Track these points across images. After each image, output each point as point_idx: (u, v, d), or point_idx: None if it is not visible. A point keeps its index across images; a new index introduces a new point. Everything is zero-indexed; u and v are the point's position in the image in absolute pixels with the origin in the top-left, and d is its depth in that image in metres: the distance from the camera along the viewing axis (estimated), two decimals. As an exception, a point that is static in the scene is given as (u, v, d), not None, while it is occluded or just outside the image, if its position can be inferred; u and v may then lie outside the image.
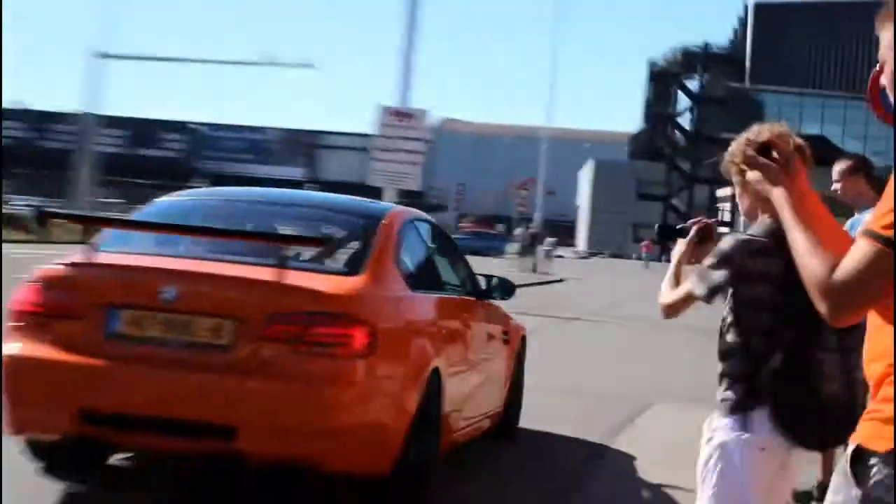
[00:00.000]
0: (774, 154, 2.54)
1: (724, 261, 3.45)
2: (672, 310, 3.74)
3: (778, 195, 2.33)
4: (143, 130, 78.44)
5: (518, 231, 46.35)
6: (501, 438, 7.63)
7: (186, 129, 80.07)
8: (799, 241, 2.15)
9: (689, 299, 3.61)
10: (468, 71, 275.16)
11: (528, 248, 44.88)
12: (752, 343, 3.42)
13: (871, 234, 1.90)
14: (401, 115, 25.13)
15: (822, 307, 1.99)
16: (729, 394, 3.47)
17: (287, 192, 7.12)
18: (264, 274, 4.87)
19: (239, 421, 4.63)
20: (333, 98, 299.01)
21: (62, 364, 4.71)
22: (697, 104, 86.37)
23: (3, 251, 14.14)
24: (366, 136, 54.53)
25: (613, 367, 14.34)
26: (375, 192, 52.86)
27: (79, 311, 4.83)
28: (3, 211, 29.36)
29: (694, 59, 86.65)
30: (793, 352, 3.33)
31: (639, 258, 62.14)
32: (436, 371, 5.39)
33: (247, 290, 4.83)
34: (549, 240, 47.55)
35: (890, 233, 1.87)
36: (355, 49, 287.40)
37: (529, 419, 9.48)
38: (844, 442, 3.21)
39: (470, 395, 6.39)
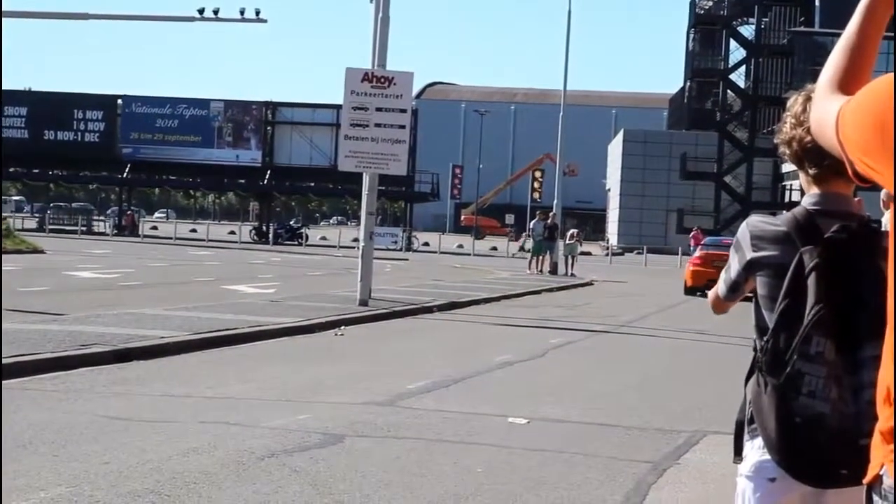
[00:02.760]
0: None
1: (734, 249, 3.88)
2: (715, 308, 4.20)
3: None
4: (47, 107, 78.16)
5: (533, 223, 46.49)
6: None
7: (105, 104, 79.81)
8: (841, 37, 2.48)
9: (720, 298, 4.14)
10: (457, 21, 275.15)
11: (545, 244, 45.07)
12: (756, 346, 3.72)
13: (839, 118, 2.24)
14: (377, 80, 24.79)
15: None
16: (742, 413, 3.79)
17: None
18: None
19: None
20: (294, 61, 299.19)
21: (706, 271, 32.45)
22: (754, 56, 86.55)
23: None
24: (337, 107, 54.81)
25: (655, 389, 14.64)
26: (351, 179, 52.94)
27: (709, 263, 32.96)
28: None
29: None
30: (771, 360, 3.54)
31: (686, 253, 62.20)
32: None
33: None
34: (573, 230, 47.77)
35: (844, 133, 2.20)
36: (317, 0, 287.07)
37: (554, 456, 9.77)
38: (852, 479, 3.46)
39: None
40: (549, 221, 45.41)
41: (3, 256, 39.38)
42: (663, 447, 10.37)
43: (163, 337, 16.02)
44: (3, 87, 67.20)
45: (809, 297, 3.47)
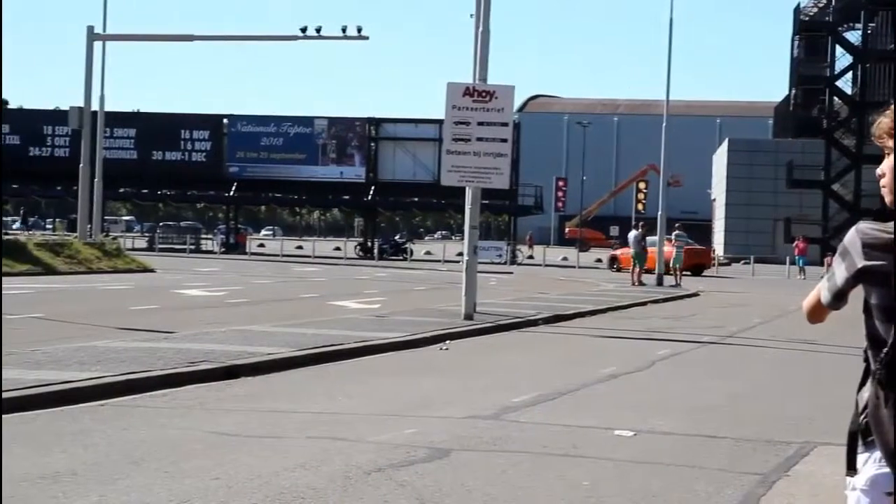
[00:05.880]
0: None
1: (841, 256, 3.68)
2: (811, 316, 3.96)
3: None
4: (155, 128, 79.41)
5: (632, 234, 46.23)
6: None
7: (212, 124, 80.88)
8: None
9: (821, 305, 3.87)
10: (558, 34, 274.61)
11: (641, 255, 44.78)
12: (867, 356, 3.59)
13: None
14: (478, 94, 24.80)
15: None
16: (855, 424, 3.65)
17: None
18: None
19: None
20: (396, 76, 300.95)
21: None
22: (861, 62, 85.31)
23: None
24: (439, 122, 54.98)
25: (763, 400, 14.46)
26: (454, 193, 53.07)
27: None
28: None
29: (854, 4, 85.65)
30: (891, 373, 3.42)
31: (793, 263, 61.43)
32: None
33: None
34: (680, 235, 47.46)
35: None
36: (419, 16, 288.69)
37: (661, 469, 9.69)
38: None
39: None
40: (640, 231, 45.51)
41: (117, 275, 40.21)
42: (772, 459, 10.23)
43: (270, 353, 16.17)
44: (114, 110, 68.20)
45: None
